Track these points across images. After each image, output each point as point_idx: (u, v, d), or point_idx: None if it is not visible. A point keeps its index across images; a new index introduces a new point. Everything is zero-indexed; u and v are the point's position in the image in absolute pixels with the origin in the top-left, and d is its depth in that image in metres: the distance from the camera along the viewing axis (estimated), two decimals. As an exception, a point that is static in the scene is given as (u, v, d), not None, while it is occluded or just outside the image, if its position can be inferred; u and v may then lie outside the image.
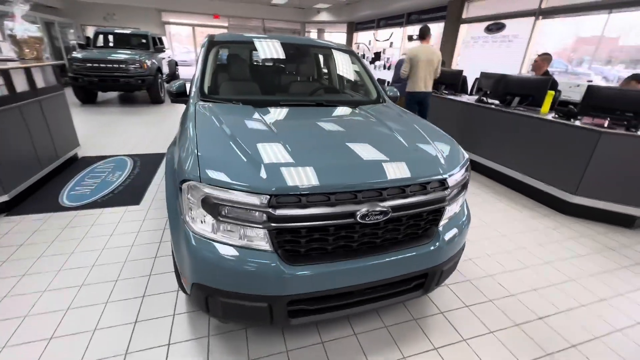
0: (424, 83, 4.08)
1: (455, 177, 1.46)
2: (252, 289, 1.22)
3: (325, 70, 2.92)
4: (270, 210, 1.16)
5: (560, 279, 2.20)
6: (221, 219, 1.20)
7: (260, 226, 1.18)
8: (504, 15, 6.37)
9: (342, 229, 1.26)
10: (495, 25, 6.60)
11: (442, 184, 1.40)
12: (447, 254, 1.48)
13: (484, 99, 4.08)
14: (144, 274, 2.01)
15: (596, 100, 2.97)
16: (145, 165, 3.83)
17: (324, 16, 13.32)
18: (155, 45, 8.35)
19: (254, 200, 1.16)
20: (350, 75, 2.60)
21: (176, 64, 10.23)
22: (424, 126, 1.86)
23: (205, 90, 2.08)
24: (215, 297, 1.26)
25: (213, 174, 1.20)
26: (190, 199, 1.24)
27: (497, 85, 3.96)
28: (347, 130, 1.71)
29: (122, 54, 6.93)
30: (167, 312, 1.72)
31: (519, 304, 1.95)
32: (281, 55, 2.45)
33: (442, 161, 1.46)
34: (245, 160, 1.28)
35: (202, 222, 1.24)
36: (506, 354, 1.61)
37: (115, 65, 6.72)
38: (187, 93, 2.15)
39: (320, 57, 2.75)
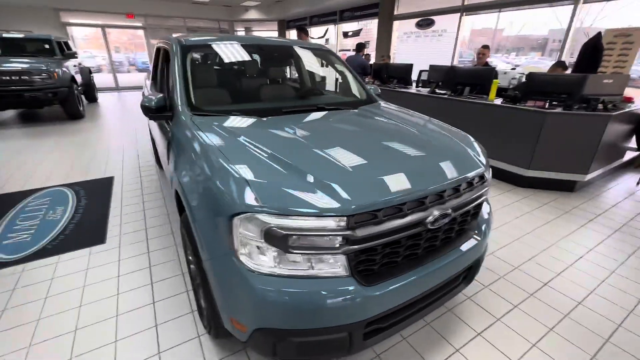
0: None
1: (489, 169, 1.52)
2: (330, 321, 1.10)
3: (312, 72, 2.80)
4: (349, 232, 1.05)
5: (545, 245, 2.49)
6: (290, 251, 1.05)
7: (338, 251, 1.07)
8: (432, 12, 6.96)
9: (411, 239, 1.22)
10: (425, 21, 7.17)
11: (482, 177, 1.45)
12: (485, 243, 1.54)
13: (436, 90, 4.40)
14: (147, 325, 1.69)
15: (535, 85, 3.42)
16: (92, 194, 3.23)
17: (252, 14, 12.87)
18: (63, 50, 7.08)
19: (330, 223, 1.04)
20: (340, 77, 2.54)
21: (90, 71, 8.86)
22: (436, 123, 1.91)
23: (194, 102, 1.81)
24: (287, 340, 1.11)
25: (274, 201, 1.04)
26: (247, 234, 1.06)
27: (447, 77, 4.30)
28: (377, 133, 1.66)
29: (22, 63, 5.71)
30: (198, 364, 1.48)
31: (524, 275, 2.15)
32: (267, 58, 2.26)
33: (479, 156, 1.51)
34: (305, 180, 1.13)
35: (262, 257, 1.08)
36: (535, 324, 1.76)
37: (14, 78, 5.51)
38: (167, 107, 1.84)
39: (306, 59, 2.62)
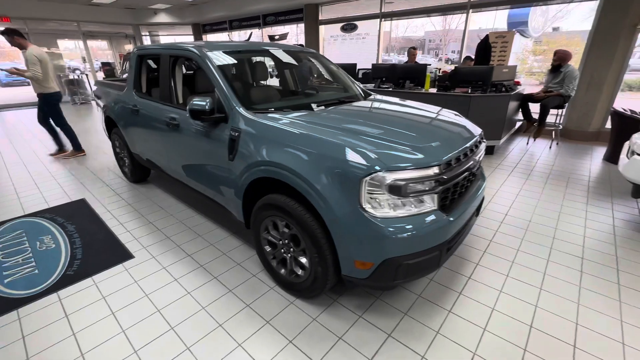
0: None
1: (480, 131, 2.19)
2: (430, 243, 1.56)
3: (320, 72, 3.12)
4: (441, 176, 1.52)
5: (492, 193, 3.40)
6: (407, 196, 1.46)
7: (434, 191, 1.52)
8: (354, 18, 7.85)
9: (463, 179, 1.76)
10: (349, 25, 8.04)
11: (482, 136, 2.09)
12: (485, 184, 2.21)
13: (381, 85, 5.18)
14: (239, 307, 1.85)
15: (460, 76, 4.44)
16: (73, 218, 2.92)
17: (162, 17, 12.01)
18: None
19: (430, 172, 1.49)
20: (340, 75, 2.93)
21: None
22: (434, 107, 2.52)
23: (248, 102, 2.02)
24: (404, 264, 1.52)
25: (392, 162, 1.44)
26: (374, 190, 1.43)
27: (389, 73, 5.11)
28: (406, 114, 2.14)
29: None
30: None
31: (489, 212, 2.96)
32: (286, 61, 2.54)
33: (474, 124, 2.15)
34: (402, 145, 1.56)
35: (384, 205, 1.46)
36: (479, 240, 2.53)
37: None
38: (214, 111, 1.99)
39: (314, 61, 2.94)
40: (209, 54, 2.19)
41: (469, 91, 4.34)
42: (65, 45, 14.22)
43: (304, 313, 1.81)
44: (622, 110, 4.12)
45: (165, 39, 14.89)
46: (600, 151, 4.74)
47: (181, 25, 12.95)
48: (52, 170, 4.19)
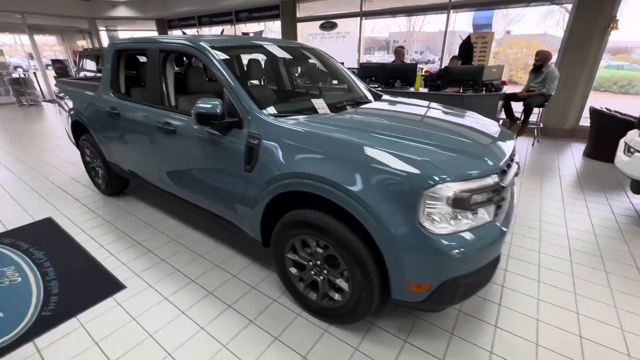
0: None
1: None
2: (487, 259, 1.42)
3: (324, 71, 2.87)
4: (500, 185, 1.38)
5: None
6: (469, 208, 1.30)
7: (492, 202, 1.38)
8: (334, 16, 7.69)
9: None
10: (328, 23, 7.86)
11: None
12: None
13: (370, 84, 5.06)
14: (267, 341, 1.60)
15: (452, 75, 4.44)
16: (40, 242, 2.47)
17: (122, 11, 11.06)
18: None
19: (490, 181, 1.34)
20: (346, 74, 2.72)
21: None
22: (457, 108, 2.40)
23: (267, 104, 1.76)
24: (462, 283, 1.37)
25: (453, 171, 1.28)
26: (434, 203, 1.26)
27: (378, 72, 5.01)
28: (438, 116, 2.01)
29: None
30: None
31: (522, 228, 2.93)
32: (295, 59, 2.29)
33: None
34: (456, 152, 1.40)
35: (444, 220, 1.30)
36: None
37: None
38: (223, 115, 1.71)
39: (321, 59, 2.69)
40: (214, 49, 1.90)
41: (461, 90, 4.35)
42: (3, 40, 12.66)
43: (342, 342, 1.60)
44: (601, 109, 4.34)
45: (125, 35, 13.79)
46: (578, 147, 4.98)
47: (143, 20, 12.05)
48: (2, 183, 3.59)
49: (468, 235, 1.33)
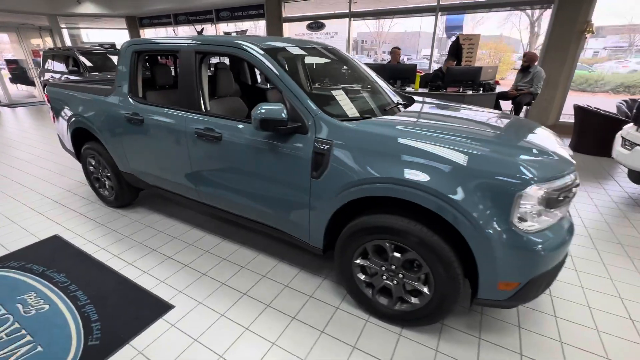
0: None
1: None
2: (564, 252, 1.48)
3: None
4: (576, 181, 1.45)
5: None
6: (556, 206, 1.36)
7: (570, 197, 1.44)
8: (322, 16, 7.67)
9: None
10: (315, 24, 7.83)
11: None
12: None
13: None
14: (344, 353, 1.56)
15: (452, 76, 4.59)
16: (55, 262, 2.24)
17: (88, 7, 10.27)
18: None
19: (570, 178, 1.40)
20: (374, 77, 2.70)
21: None
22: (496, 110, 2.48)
23: (329, 108, 1.72)
24: (545, 279, 1.43)
25: (542, 171, 1.32)
26: (527, 203, 1.30)
27: (379, 73, 5.05)
28: (492, 118, 2.04)
29: None
30: (431, 353, 1.54)
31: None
32: (339, 61, 2.27)
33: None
34: (538, 152, 1.44)
35: (534, 219, 1.34)
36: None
37: None
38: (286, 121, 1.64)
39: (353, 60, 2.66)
40: (267, 52, 1.81)
41: (460, 90, 4.52)
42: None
43: (421, 345, 1.60)
44: (585, 106, 4.70)
45: (91, 33, 12.85)
46: (562, 142, 5.36)
47: (112, 18, 11.29)
48: (-12, 201, 3.20)
49: (552, 232, 1.38)
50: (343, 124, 1.62)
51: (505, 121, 1.98)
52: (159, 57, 3.47)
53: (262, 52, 1.81)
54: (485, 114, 2.12)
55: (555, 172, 1.36)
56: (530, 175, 1.29)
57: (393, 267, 1.61)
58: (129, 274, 2.13)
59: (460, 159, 1.36)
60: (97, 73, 6.71)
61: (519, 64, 5.73)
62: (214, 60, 3.76)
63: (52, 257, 2.31)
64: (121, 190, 2.86)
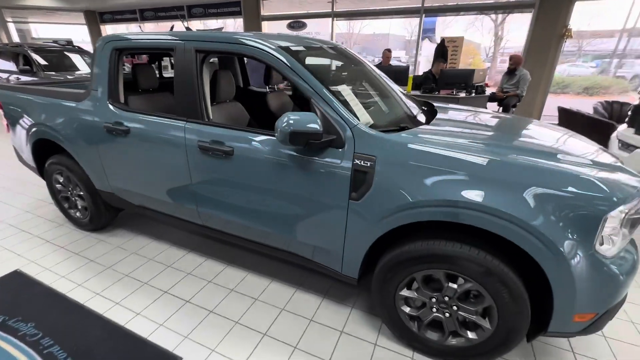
0: None
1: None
2: (634, 276, 1.36)
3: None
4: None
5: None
6: (633, 229, 1.22)
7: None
8: (303, 15, 7.41)
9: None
10: (296, 23, 7.55)
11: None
12: None
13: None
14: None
15: (445, 79, 4.54)
16: (19, 308, 1.81)
17: (42, 0, 9.25)
18: None
19: (640, 195, 1.28)
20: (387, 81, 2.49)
21: None
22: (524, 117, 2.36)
23: (368, 120, 1.48)
24: (620, 305, 1.30)
25: (621, 191, 1.17)
26: (611, 227, 1.15)
27: (370, 75, 4.91)
28: (537, 129, 1.90)
29: None
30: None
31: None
32: (360, 64, 2.04)
33: None
34: (603, 168, 1.30)
35: (608, 244, 1.20)
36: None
37: None
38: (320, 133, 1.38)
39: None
40: (291, 54, 1.54)
41: (454, 92, 4.47)
42: None
43: (480, 385, 1.42)
44: (569, 108, 4.84)
45: (41, 29, 11.64)
46: (545, 142, 5.52)
47: (68, 12, 10.28)
48: None
49: (628, 257, 1.26)
50: (388, 136, 1.39)
51: (551, 131, 1.84)
52: (135, 56, 3.06)
53: (286, 53, 1.53)
54: (519, 121, 2.01)
55: (633, 190, 1.23)
56: (619, 195, 1.14)
57: (446, 298, 1.41)
58: (117, 317, 1.76)
59: (539, 179, 1.18)
60: (53, 73, 5.98)
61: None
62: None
63: (13, 301, 1.87)
64: (97, 212, 2.44)
